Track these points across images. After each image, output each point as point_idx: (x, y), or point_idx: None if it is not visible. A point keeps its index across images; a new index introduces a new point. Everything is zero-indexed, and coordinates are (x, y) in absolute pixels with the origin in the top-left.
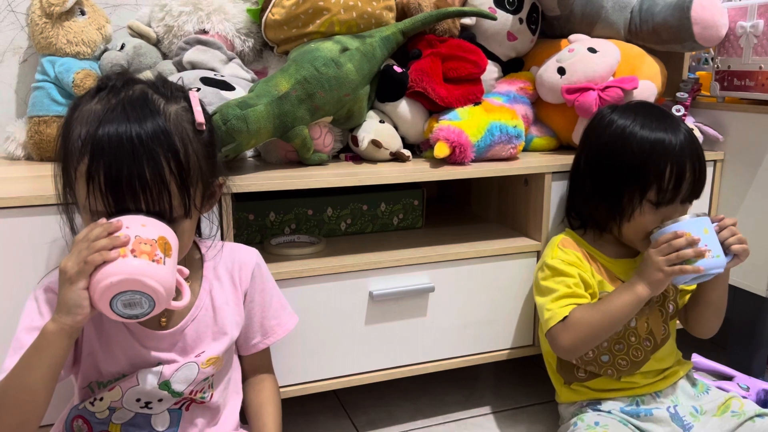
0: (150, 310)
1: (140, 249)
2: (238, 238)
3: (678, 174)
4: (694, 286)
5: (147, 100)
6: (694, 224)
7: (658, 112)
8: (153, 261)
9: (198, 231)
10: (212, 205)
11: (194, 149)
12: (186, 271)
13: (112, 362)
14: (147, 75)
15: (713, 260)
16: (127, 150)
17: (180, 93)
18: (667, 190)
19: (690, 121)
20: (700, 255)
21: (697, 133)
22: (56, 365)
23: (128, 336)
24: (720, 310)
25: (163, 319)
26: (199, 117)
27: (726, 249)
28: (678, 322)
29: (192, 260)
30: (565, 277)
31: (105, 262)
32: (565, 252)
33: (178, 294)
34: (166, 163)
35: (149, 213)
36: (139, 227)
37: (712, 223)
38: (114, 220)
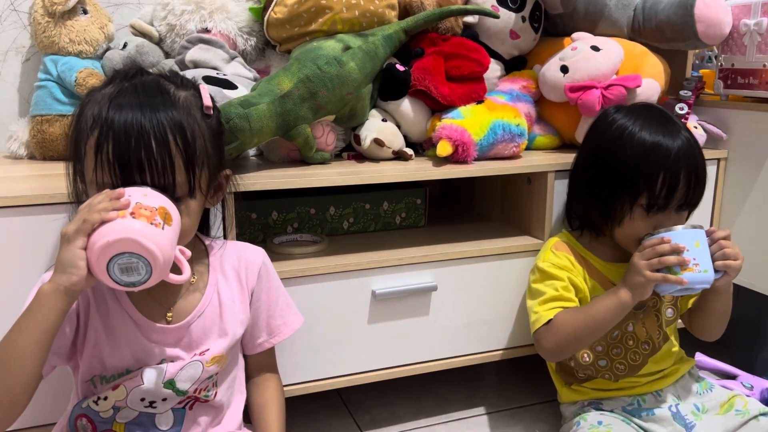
0: (147, 278)
1: (140, 213)
2: (240, 237)
3: (671, 181)
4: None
5: (158, 84)
6: (685, 235)
7: (661, 115)
8: (151, 224)
9: (207, 230)
10: (219, 198)
11: (201, 131)
12: (188, 252)
13: (117, 356)
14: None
15: (699, 275)
16: (135, 123)
17: (190, 83)
18: (659, 197)
19: (693, 120)
20: (685, 264)
21: (700, 131)
22: (48, 330)
23: (134, 328)
24: (723, 318)
25: (170, 314)
26: (207, 101)
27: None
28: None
29: (198, 258)
30: (554, 281)
31: (103, 223)
32: (557, 255)
33: (177, 271)
34: (173, 138)
35: (154, 186)
36: (141, 196)
37: (708, 236)
38: (118, 189)
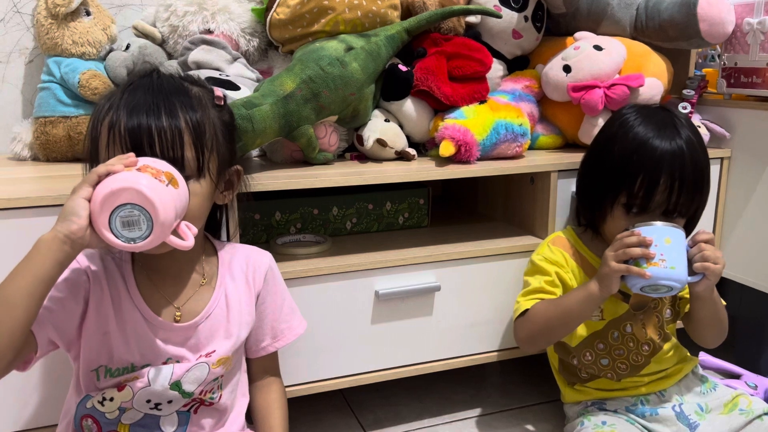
0: (148, 233)
1: (146, 169)
2: (244, 238)
3: (649, 184)
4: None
5: (172, 78)
6: (656, 231)
7: (664, 118)
8: (156, 179)
9: (217, 231)
10: (231, 195)
11: (211, 119)
12: (194, 228)
13: (124, 348)
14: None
15: (665, 270)
16: (148, 102)
17: (202, 82)
18: (637, 197)
19: (696, 119)
20: (649, 258)
21: (703, 130)
22: (41, 278)
23: (143, 323)
24: (714, 327)
25: (178, 313)
26: (218, 92)
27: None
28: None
29: (208, 259)
30: (541, 275)
31: (109, 175)
32: (552, 250)
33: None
34: (183, 116)
35: (163, 158)
36: (150, 161)
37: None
38: (128, 153)
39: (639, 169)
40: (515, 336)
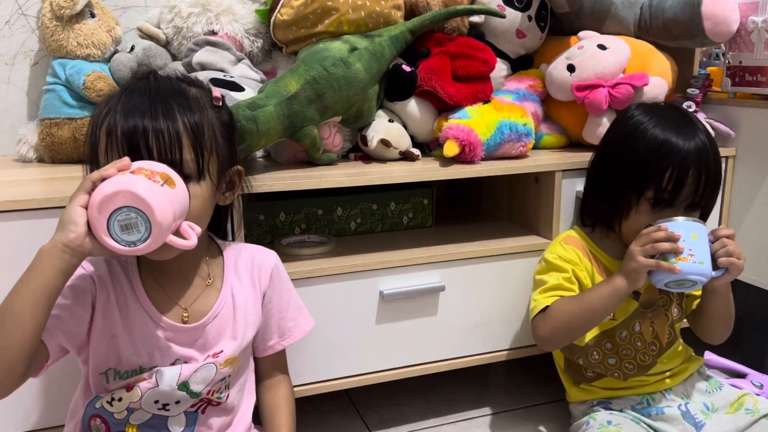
0: (147, 235)
1: (140, 171)
2: (248, 239)
3: (678, 177)
4: (698, 291)
5: (170, 80)
6: (682, 226)
7: (680, 116)
8: (150, 180)
9: (223, 233)
10: (233, 196)
11: (210, 120)
12: (198, 228)
13: (132, 350)
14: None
15: (694, 265)
16: (145, 105)
17: (200, 83)
18: (665, 191)
19: (701, 118)
20: (678, 252)
21: (708, 129)
22: (44, 288)
23: (151, 325)
24: (724, 321)
25: (186, 314)
26: (216, 93)
27: (715, 261)
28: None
29: (213, 259)
30: (557, 272)
31: (104, 180)
32: (565, 249)
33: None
34: (180, 117)
35: (162, 161)
36: (144, 163)
37: (711, 234)
38: (123, 158)
39: (668, 163)
40: (534, 334)
